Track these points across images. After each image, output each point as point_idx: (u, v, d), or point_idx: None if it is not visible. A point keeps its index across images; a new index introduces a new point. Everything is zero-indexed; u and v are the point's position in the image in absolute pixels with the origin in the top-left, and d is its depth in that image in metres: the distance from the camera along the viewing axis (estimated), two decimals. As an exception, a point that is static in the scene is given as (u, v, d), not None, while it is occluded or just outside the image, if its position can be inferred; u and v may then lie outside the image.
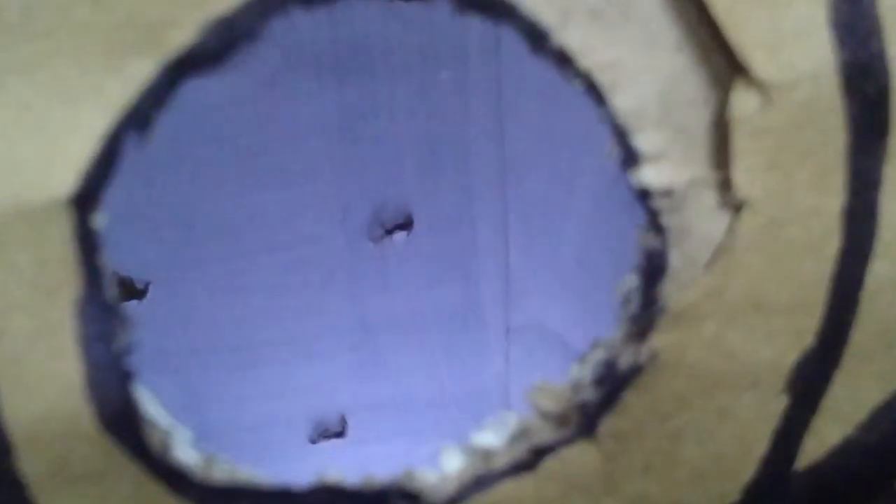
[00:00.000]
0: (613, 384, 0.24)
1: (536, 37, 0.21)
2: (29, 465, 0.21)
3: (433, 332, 0.53)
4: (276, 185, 0.49)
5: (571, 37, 0.21)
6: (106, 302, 0.21)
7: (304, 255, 0.51)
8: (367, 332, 0.52)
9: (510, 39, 0.22)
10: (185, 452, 0.23)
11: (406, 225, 0.53)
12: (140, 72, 0.20)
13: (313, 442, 0.52)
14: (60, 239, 0.20)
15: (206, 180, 0.47)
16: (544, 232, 0.52)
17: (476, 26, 0.22)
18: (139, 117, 0.20)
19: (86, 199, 0.20)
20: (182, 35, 0.20)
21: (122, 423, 0.21)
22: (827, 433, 0.26)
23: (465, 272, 0.54)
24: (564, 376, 0.25)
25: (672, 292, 0.23)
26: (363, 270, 0.52)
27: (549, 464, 0.24)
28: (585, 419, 0.24)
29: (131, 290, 0.46)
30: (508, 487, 0.24)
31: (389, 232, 0.53)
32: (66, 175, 0.20)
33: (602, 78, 0.22)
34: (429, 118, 0.50)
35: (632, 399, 0.24)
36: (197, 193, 0.47)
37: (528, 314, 0.53)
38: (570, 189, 0.48)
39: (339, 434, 0.53)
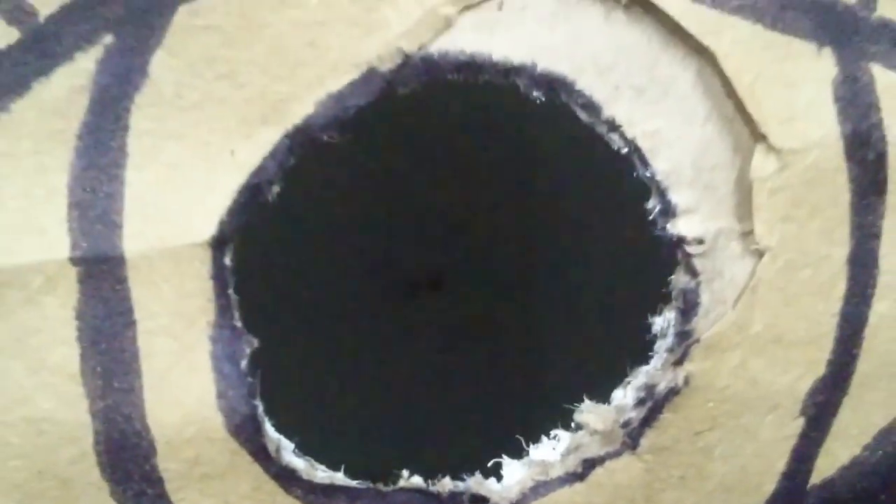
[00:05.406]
0: (653, 405, 0.27)
1: (590, 109, 0.25)
2: (167, 464, 0.25)
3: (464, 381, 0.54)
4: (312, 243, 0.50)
5: (619, 110, 0.25)
6: (234, 326, 0.25)
7: (336, 309, 0.52)
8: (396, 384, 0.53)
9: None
10: (291, 458, 0.26)
11: (435, 283, 0.54)
12: (268, 138, 0.24)
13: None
14: (199, 274, 0.24)
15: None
16: (568, 282, 0.53)
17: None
18: (266, 176, 0.24)
19: (221, 241, 0.24)
20: (303, 108, 0.24)
21: (246, 429, 0.25)
22: (837, 453, 0.28)
23: (493, 329, 0.54)
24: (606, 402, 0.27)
25: (703, 326, 0.26)
26: (392, 325, 0.53)
27: (598, 474, 0.27)
28: (629, 436, 0.27)
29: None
30: (563, 494, 0.27)
31: (419, 289, 0.54)
32: (206, 222, 0.24)
33: (644, 144, 0.25)
34: (459, 183, 0.52)
35: (669, 418, 0.27)
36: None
37: (556, 363, 0.54)
38: (593, 242, 0.50)
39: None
